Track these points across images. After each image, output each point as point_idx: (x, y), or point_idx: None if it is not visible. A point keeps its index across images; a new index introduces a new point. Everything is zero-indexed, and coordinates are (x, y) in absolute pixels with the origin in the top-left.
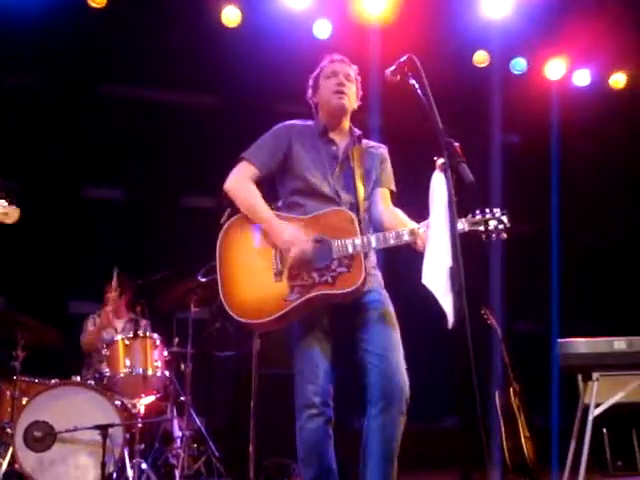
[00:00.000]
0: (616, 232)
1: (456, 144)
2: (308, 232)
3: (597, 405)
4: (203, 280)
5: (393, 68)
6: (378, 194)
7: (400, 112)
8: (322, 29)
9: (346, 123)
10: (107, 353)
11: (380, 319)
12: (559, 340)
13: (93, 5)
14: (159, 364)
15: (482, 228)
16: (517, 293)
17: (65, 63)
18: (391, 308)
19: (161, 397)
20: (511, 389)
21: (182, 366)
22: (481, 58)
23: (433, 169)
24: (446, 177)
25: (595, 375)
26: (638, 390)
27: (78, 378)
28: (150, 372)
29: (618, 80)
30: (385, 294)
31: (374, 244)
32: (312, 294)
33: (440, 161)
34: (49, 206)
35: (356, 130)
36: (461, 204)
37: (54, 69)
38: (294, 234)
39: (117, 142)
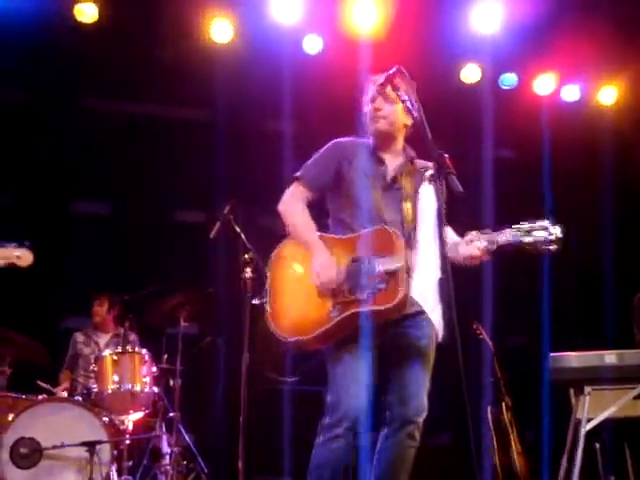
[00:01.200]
0: (605, 246)
1: (446, 155)
2: (349, 252)
3: (589, 420)
4: (257, 303)
5: (382, 80)
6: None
7: None
8: (312, 44)
9: (398, 143)
10: (95, 368)
11: (419, 352)
12: (551, 354)
13: (82, 20)
14: (147, 380)
15: (529, 240)
16: (507, 307)
17: (53, 77)
18: (433, 334)
19: (150, 413)
20: (503, 404)
21: (171, 382)
22: (471, 73)
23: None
24: (435, 188)
25: (587, 389)
26: (630, 404)
27: (65, 394)
28: (138, 388)
29: (607, 95)
30: (429, 320)
31: (415, 260)
32: (352, 311)
33: (429, 172)
34: (37, 221)
35: (411, 150)
36: (451, 215)
37: (42, 83)
38: (324, 263)
39: (105, 157)
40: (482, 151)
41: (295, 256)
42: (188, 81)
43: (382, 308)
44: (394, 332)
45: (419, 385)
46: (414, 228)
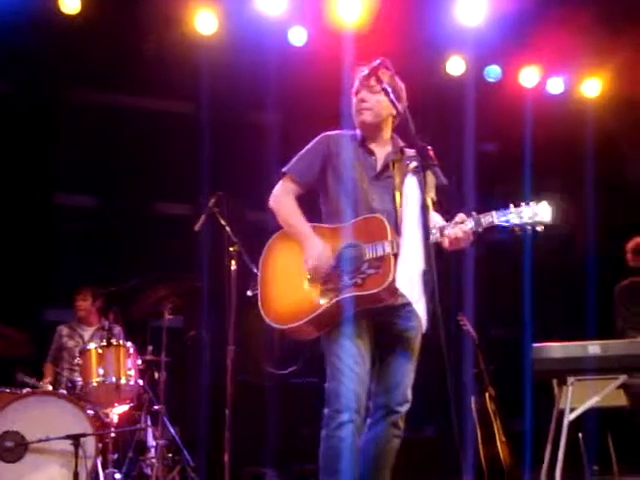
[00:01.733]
0: (587, 238)
1: (429, 148)
2: (339, 240)
3: (572, 409)
4: (250, 294)
5: (367, 72)
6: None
7: None
8: (297, 36)
9: (385, 133)
10: (80, 362)
11: (405, 343)
12: (534, 345)
13: (65, 11)
14: (132, 373)
15: (515, 221)
16: (489, 298)
17: (37, 69)
18: (420, 325)
19: (135, 406)
20: (487, 394)
21: (156, 375)
22: (455, 65)
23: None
24: (419, 180)
25: (570, 380)
26: (613, 394)
27: (49, 387)
28: (123, 381)
29: (591, 88)
30: (418, 312)
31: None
32: (342, 296)
33: (413, 164)
34: (21, 213)
35: (399, 140)
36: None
37: (26, 75)
38: (315, 246)
39: (90, 149)
40: (466, 143)
41: (286, 248)
42: (172, 73)
43: (372, 292)
44: (382, 322)
45: (403, 375)
46: (402, 217)
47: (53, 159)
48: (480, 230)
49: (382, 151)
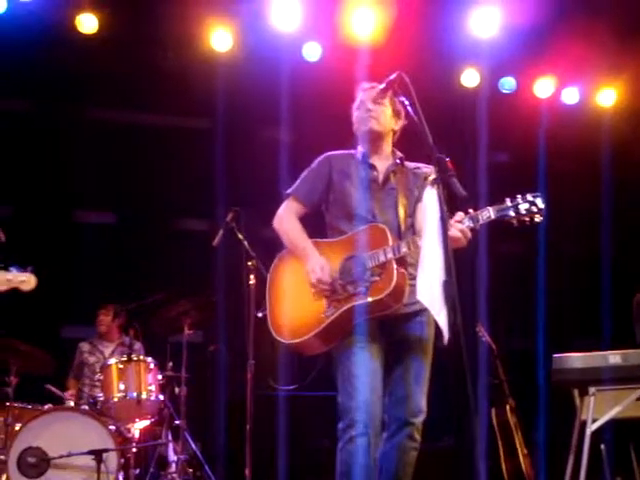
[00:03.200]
0: (604, 248)
1: (447, 159)
2: (341, 253)
3: (594, 420)
4: (260, 316)
5: (383, 86)
6: (419, 210)
7: None
8: (312, 51)
9: (387, 147)
10: (101, 377)
11: (416, 353)
12: (554, 355)
13: (83, 31)
14: (153, 388)
15: (512, 213)
16: (503, 309)
17: (56, 88)
18: (431, 334)
19: (156, 421)
20: (507, 406)
21: (176, 390)
22: (470, 77)
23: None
24: (437, 192)
25: (592, 390)
26: (635, 404)
27: (72, 402)
28: (144, 396)
29: (606, 97)
30: (430, 315)
31: (404, 249)
32: (347, 306)
33: (431, 176)
34: (41, 230)
35: (398, 153)
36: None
37: (45, 94)
38: (316, 261)
39: (108, 166)
40: (480, 155)
41: (291, 266)
42: (189, 90)
43: (377, 298)
44: (393, 332)
45: (416, 386)
46: (410, 225)
47: (72, 177)
48: (478, 226)
49: (383, 164)
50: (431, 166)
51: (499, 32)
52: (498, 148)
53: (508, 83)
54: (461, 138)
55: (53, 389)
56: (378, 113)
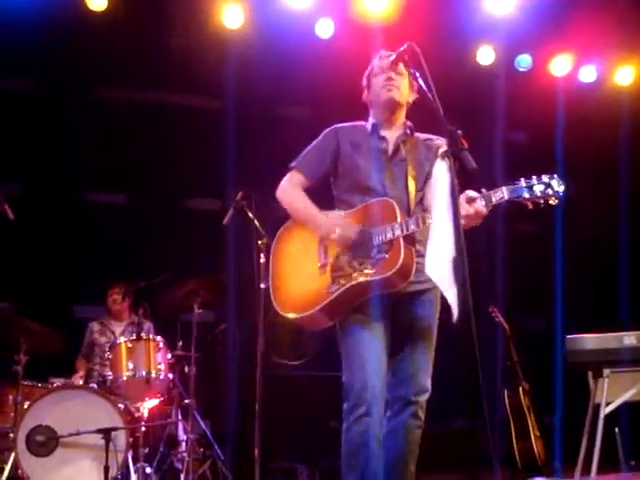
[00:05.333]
0: (622, 229)
1: (459, 132)
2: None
3: (608, 403)
4: (263, 287)
5: (394, 57)
6: (429, 186)
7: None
8: (324, 28)
9: (399, 118)
10: (110, 356)
11: (421, 332)
12: (567, 336)
13: (92, 8)
14: (162, 367)
15: (527, 195)
16: (521, 289)
17: (65, 67)
18: (436, 314)
19: (165, 400)
20: (520, 388)
21: (186, 369)
22: (485, 55)
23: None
24: (448, 165)
25: (606, 372)
26: None
27: (81, 381)
28: (153, 375)
29: (624, 76)
30: (436, 294)
31: (412, 226)
32: (353, 282)
33: (442, 149)
34: (52, 210)
35: (408, 123)
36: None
37: (54, 74)
38: (336, 218)
39: (119, 146)
40: (496, 133)
41: (295, 237)
42: (199, 68)
43: (383, 277)
44: (399, 310)
45: (420, 364)
46: (420, 200)
47: (83, 157)
48: (490, 207)
49: (393, 135)
50: (443, 138)
51: (515, 9)
52: (514, 127)
53: (524, 61)
54: (476, 117)
55: (54, 379)
56: (400, 83)
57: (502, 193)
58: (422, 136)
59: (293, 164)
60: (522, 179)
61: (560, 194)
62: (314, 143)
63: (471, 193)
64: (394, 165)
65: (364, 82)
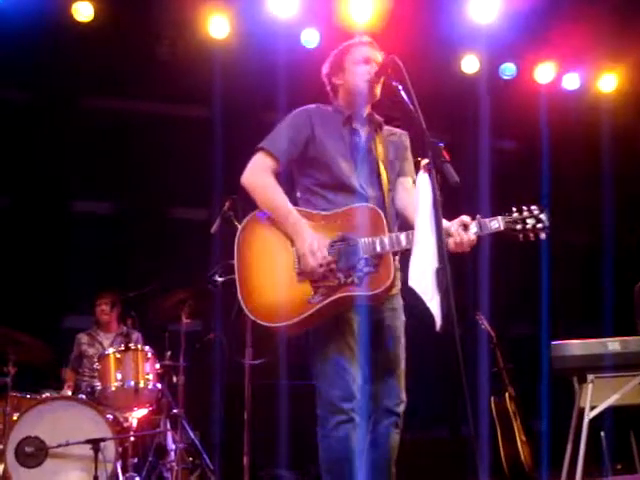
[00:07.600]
0: (606, 235)
1: (440, 144)
2: (331, 230)
3: (592, 407)
4: (220, 280)
5: (376, 69)
6: (401, 184)
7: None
8: (310, 38)
9: (368, 110)
10: (98, 367)
11: (396, 338)
12: (552, 342)
13: (79, 19)
14: (151, 377)
15: (519, 227)
16: (506, 296)
17: (53, 76)
18: (403, 319)
19: (154, 410)
20: (507, 394)
21: (174, 378)
22: (469, 63)
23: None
24: (430, 177)
25: (590, 377)
26: (634, 391)
27: (69, 392)
28: (142, 385)
29: (607, 83)
30: (401, 302)
31: (404, 243)
32: (337, 295)
33: (424, 161)
34: (39, 221)
35: (377, 117)
36: (446, 204)
37: (42, 83)
38: (308, 243)
39: (105, 155)
40: (481, 141)
41: (266, 232)
42: (186, 77)
43: (373, 293)
44: (374, 319)
45: (395, 376)
46: (392, 200)
47: (69, 167)
48: (484, 234)
49: (364, 129)
50: (405, 132)
51: (499, 17)
52: (499, 134)
53: (508, 69)
54: (461, 124)
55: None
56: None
57: (498, 223)
58: (386, 130)
59: (262, 145)
60: (514, 210)
61: (548, 229)
62: (284, 125)
63: (466, 219)
64: (368, 162)
65: (332, 59)
